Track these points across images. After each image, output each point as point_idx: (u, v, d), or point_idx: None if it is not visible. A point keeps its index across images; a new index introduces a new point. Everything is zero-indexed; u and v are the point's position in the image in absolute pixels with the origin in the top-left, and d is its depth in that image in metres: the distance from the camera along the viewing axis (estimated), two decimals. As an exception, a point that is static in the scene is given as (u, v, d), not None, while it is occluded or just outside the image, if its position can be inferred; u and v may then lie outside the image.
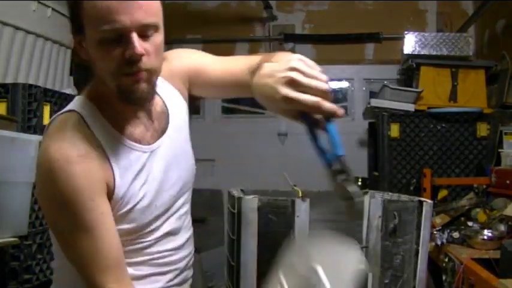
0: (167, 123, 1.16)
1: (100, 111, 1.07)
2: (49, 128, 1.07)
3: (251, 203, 1.25)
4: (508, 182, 2.56)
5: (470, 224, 2.52)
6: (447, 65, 3.30)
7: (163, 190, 1.13)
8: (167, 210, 1.15)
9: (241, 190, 1.48)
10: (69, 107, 1.10)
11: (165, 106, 1.17)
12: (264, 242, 1.26)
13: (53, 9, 2.82)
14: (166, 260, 1.15)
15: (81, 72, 3.87)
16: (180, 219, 1.20)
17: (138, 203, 1.06)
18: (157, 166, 1.11)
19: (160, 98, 1.17)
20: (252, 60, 1.12)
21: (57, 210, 1.00)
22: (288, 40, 4.37)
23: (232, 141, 4.34)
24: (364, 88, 4.37)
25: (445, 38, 3.29)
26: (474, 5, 3.96)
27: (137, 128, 1.09)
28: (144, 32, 0.99)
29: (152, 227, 1.11)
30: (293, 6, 4.38)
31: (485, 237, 2.27)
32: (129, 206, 1.05)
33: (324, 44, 4.30)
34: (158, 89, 1.13)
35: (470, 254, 2.15)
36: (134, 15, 0.95)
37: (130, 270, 1.08)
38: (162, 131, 1.14)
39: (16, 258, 2.24)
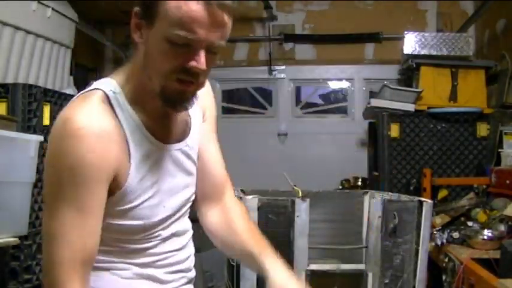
0: (188, 131, 1.15)
1: (127, 99, 1.04)
2: (73, 101, 1.04)
3: (251, 203, 1.24)
4: (508, 182, 2.56)
5: (470, 224, 2.52)
6: (447, 65, 3.30)
7: (173, 193, 1.12)
8: (175, 213, 1.14)
9: (241, 190, 1.48)
10: (94, 85, 1.07)
11: (189, 116, 1.17)
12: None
13: (53, 9, 2.82)
14: (170, 260, 1.14)
15: (81, 72, 3.88)
16: (184, 221, 1.20)
17: (147, 200, 1.05)
18: (172, 168, 1.11)
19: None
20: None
21: (59, 176, 0.95)
22: (288, 40, 4.37)
23: (232, 141, 4.34)
24: (364, 88, 4.38)
25: (445, 38, 3.29)
26: (474, 5, 3.96)
27: (159, 126, 1.08)
28: (211, 48, 0.98)
29: (159, 228, 1.10)
30: (293, 6, 4.38)
31: (485, 237, 2.27)
32: (138, 201, 1.03)
33: (324, 44, 4.30)
34: None
35: (470, 254, 2.14)
36: (211, 33, 0.95)
37: (136, 270, 1.08)
38: (182, 137, 1.14)
39: (16, 258, 2.24)
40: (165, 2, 0.94)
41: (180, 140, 1.13)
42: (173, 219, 1.14)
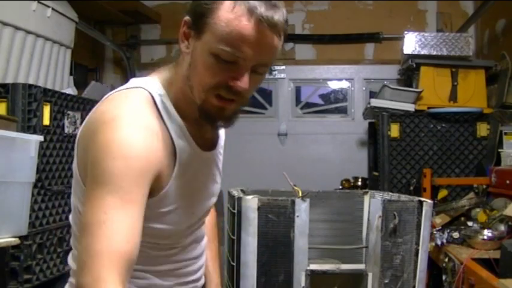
0: (217, 140, 1.17)
1: (172, 103, 1.02)
2: (114, 98, 0.99)
3: (251, 203, 1.24)
4: (508, 182, 2.56)
5: (470, 224, 2.52)
6: (447, 65, 3.30)
7: (202, 200, 1.12)
8: (199, 220, 1.15)
9: (241, 190, 1.48)
10: (137, 84, 1.02)
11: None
12: (264, 242, 1.26)
13: (53, 9, 2.82)
14: (188, 269, 1.14)
15: (81, 72, 3.87)
16: (203, 227, 1.21)
17: (182, 205, 1.03)
18: (205, 175, 1.11)
19: None
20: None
21: (106, 165, 0.88)
22: (288, 40, 4.37)
23: (232, 141, 4.33)
24: (364, 88, 4.37)
25: (445, 38, 3.29)
26: (474, 5, 3.96)
27: (198, 133, 1.07)
28: (257, 69, 0.96)
29: (185, 234, 1.10)
30: (293, 6, 4.37)
31: (485, 237, 2.27)
32: (173, 206, 1.01)
33: (324, 44, 4.30)
34: None
35: (470, 254, 2.15)
36: (259, 53, 0.92)
37: (151, 281, 1.05)
38: (213, 146, 1.14)
39: (16, 258, 2.24)
40: (216, 14, 0.91)
41: (211, 149, 1.13)
42: (196, 226, 1.14)
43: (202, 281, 1.23)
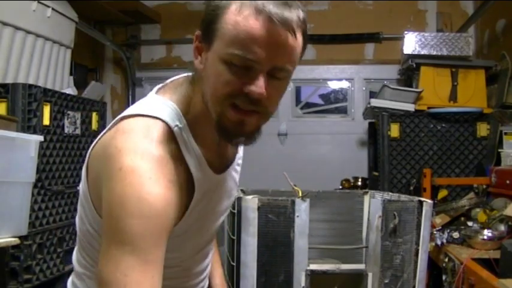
0: (234, 157, 1.10)
1: (190, 129, 0.94)
2: (130, 125, 0.90)
3: (251, 203, 1.24)
4: (508, 182, 2.56)
5: (470, 224, 2.52)
6: (447, 65, 3.30)
7: (213, 221, 1.08)
8: (207, 241, 1.11)
9: (241, 190, 1.48)
10: (153, 111, 0.92)
11: None
12: (264, 242, 1.26)
13: (53, 9, 2.82)
14: (192, 282, 1.12)
15: (81, 72, 3.87)
16: (212, 244, 1.18)
17: (192, 230, 0.99)
18: (219, 195, 1.06)
19: None
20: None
21: (124, 220, 0.82)
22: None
23: (232, 141, 4.33)
24: (364, 88, 4.37)
25: (445, 38, 3.29)
26: (474, 5, 3.96)
27: (216, 156, 1.01)
28: (275, 73, 0.87)
29: (191, 254, 1.07)
30: (293, 6, 4.37)
31: (485, 237, 2.27)
32: (183, 232, 0.96)
33: (324, 44, 4.29)
34: None
35: (470, 254, 2.14)
36: (274, 54, 0.84)
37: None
38: (229, 163, 1.08)
39: (16, 258, 2.24)
40: (223, 19, 0.85)
41: (228, 166, 1.07)
42: (204, 245, 1.11)
43: (206, 281, 1.21)
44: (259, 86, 0.85)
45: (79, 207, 1.03)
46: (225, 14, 0.86)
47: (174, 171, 0.89)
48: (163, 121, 0.91)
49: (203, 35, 0.90)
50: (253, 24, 0.83)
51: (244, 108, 0.87)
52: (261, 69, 0.85)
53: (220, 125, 0.89)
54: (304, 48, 0.90)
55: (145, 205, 0.82)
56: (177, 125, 0.92)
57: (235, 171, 1.13)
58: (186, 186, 0.92)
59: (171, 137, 0.91)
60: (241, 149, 1.16)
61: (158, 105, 0.94)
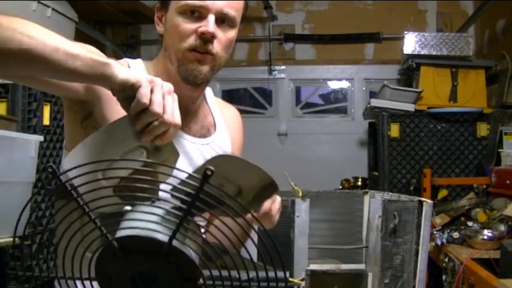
0: (213, 131, 1.23)
1: None
2: None
3: (251, 203, 1.24)
4: (508, 182, 2.56)
5: (470, 224, 2.52)
6: (447, 65, 3.30)
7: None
8: None
9: (241, 190, 1.48)
10: (125, 60, 1.14)
11: (214, 122, 1.25)
12: (264, 242, 1.26)
13: (53, 9, 2.82)
14: None
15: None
16: None
17: None
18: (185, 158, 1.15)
19: (212, 116, 1.26)
20: None
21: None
22: (288, 40, 4.37)
23: (232, 141, 4.34)
24: (364, 88, 4.37)
25: (445, 38, 3.29)
26: (474, 5, 3.96)
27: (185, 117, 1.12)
28: (221, 20, 1.06)
29: None
30: (293, 6, 4.37)
31: (485, 237, 2.27)
32: None
33: (324, 44, 4.30)
34: (215, 109, 1.27)
35: (470, 254, 2.15)
36: (218, 0, 1.04)
37: None
38: (207, 134, 1.21)
39: (16, 258, 2.24)
40: None
41: (205, 136, 1.20)
42: None
43: None
44: (209, 25, 1.03)
45: None
46: None
47: None
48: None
49: (161, 4, 1.10)
50: None
51: (200, 50, 1.05)
52: (208, 12, 1.04)
53: (183, 68, 1.07)
54: (246, 4, 1.12)
55: None
56: (140, 67, 1.12)
57: (221, 150, 1.22)
58: None
59: None
60: (223, 134, 1.26)
61: (129, 60, 1.15)
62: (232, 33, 1.09)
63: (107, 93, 0.90)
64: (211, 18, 1.04)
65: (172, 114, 0.81)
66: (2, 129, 2.08)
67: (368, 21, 4.20)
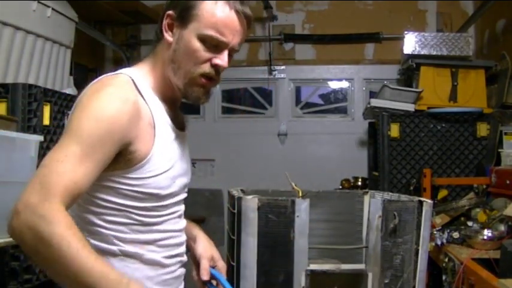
0: (185, 125, 1.33)
1: (150, 87, 1.19)
2: (99, 79, 1.15)
3: (251, 203, 1.24)
4: (508, 182, 2.56)
5: (470, 224, 2.51)
6: (447, 65, 3.30)
7: (180, 174, 1.25)
8: (179, 193, 1.26)
9: (241, 190, 1.48)
10: (119, 72, 1.19)
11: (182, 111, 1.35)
12: (264, 242, 1.26)
13: (53, 9, 2.82)
14: (172, 241, 1.24)
15: (81, 72, 3.87)
16: (183, 206, 1.32)
17: (167, 171, 1.17)
18: (179, 150, 1.25)
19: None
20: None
21: (82, 123, 1.04)
22: (288, 40, 4.37)
23: (232, 141, 4.34)
24: (364, 88, 4.38)
25: (445, 38, 3.29)
26: (474, 5, 3.96)
27: (172, 114, 1.23)
28: (231, 52, 1.18)
29: (168, 202, 1.21)
30: (293, 6, 4.38)
31: (485, 237, 2.27)
32: (156, 172, 1.15)
33: (324, 44, 4.30)
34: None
35: (470, 254, 2.15)
36: (236, 38, 1.16)
37: (142, 251, 1.17)
38: (183, 128, 1.30)
39: (16, 258, 2.24)
40: (202, 7, 1.13)
41: (183, 130, 1.29)
42: (177, 199, 1.26)
43: (185, 258, 1.32)
44: (225, 60, 1.16)
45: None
46: (203, 3, 1.14)
47: (134, 100, 1.11)
48: (127, 75, 1.17)
49: (179, 15, 1.16)
50: (228, 15, 1.14)
51: (210, 76, 1.16)
52: (226, 48, 1.15)
53: (189, 88, 1.17)
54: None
55: (100, 111, 1.05)
56: (134, 76, 1.17)
57: (187, 142, 1.33)
58: (150, 122, 1.14)
59: (132, 83, 1.15)
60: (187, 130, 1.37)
61: (120, 70, 1.20)
62: (231, 60, 1.20)
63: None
64: (226, 53, 1.15)
65: None
66: (2, 129, 2.08)
67: (368, 21, 4.20)
